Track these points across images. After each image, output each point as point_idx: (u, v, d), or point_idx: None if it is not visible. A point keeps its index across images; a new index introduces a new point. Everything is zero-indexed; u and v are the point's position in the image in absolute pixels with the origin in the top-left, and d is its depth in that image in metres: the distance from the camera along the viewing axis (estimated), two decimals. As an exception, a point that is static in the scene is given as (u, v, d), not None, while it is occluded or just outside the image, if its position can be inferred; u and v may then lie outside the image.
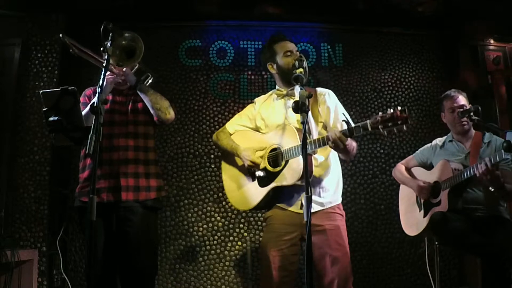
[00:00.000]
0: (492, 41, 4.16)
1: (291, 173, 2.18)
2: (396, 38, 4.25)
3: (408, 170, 2.98)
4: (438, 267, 2.91)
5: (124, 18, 3.57)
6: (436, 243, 2.82)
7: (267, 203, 2.33)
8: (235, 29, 4.11)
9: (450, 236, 2.55)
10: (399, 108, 1.88)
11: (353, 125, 2.02)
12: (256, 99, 2.58)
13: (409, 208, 2.91)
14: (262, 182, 2.29)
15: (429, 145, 2.95)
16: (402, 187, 3.04)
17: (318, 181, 2.27)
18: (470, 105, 2.75)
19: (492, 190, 2.40)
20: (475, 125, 2.71)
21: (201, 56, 4.05)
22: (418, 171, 2.92)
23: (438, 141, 2.90)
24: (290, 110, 2.19)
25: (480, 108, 2.69)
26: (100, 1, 3.63)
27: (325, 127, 2.33)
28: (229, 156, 2.47)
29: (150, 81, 2.40)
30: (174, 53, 4.02)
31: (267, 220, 2.36)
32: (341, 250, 2.20)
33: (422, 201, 2.78)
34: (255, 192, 2.32)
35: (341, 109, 2.38)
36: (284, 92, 2.43)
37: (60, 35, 2.22)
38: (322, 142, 2.09)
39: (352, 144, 2.19)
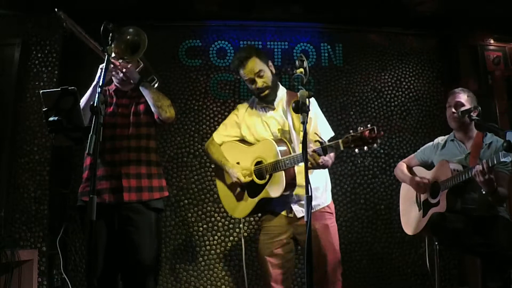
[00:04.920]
0: (492, 41, 4.16)
1: (275, 186, 2.33)
2: (396, 38, 4.25)
3: (410, 169, 2.97)
4: (438, 267, 2.91)
5: (124, 18, 3.56)
6: (436, 243, 2.82)
7: (259, 209, 2.51)
8: (235, 29, 4.10)
9: (449, 237, 2.55)
10: (369, 126, 1.92)
11: (325, 143, 2.09)
12: (239, 106, 2.70)
13: (408, 208, 2.91)
14: (252, 193, 2.45)
15: (430, 144, 2.93)
16: (402, 186, 3.03)
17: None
18: (478, 106, 2.72)
19: (484, 193, 2.38)
20: (476, 125, 2.71)
21: (201, 56, 4.04)
22: (419, 170, 2.91)
23: (440, 140, 2.87)
24: (271, 119, 2.46)
25: (480, 108, 2.69)
26: (100, 1, 3.63)
27: None
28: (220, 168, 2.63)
29: (156, 85, 2.41)
30: (174, 53, 4.02)
31: (262, 223, 2.55)
32: (329, 247, 2.39)
33: (421, 200, 2.78)
34: (246, 203, 2.48)
35: (321, 119, 2.48)
36: (265, 105, 2.55)
37: (56, 9, 2.19)
38: (297, 160, 2.22)
39: (330, 157, 2.28)
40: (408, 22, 4.13)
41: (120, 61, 2.28)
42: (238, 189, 2.53)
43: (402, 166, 3.00)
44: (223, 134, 2.64)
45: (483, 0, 3.69)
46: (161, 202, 2.40)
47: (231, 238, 3.74)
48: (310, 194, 1.74)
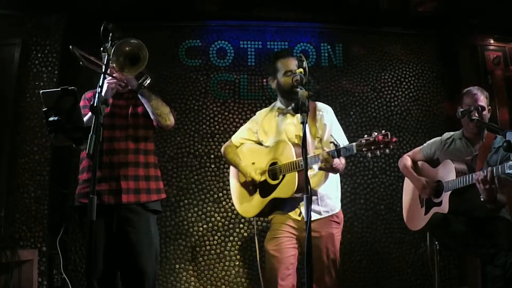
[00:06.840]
0: (492, 41, 4.16)
1: (287, 187, 2.39)
2: (396, 38, 4.24)
3: (414, 163, 2.91)
4: (438, 267, 2.90)
5: (124, 18, 3.57)
6: (436, 243, 2.82)
7: (269, 210, 2.56)
8: (235, 29, 4.10)
9: (450, 238, 2.54)
10: (383, 132, 2.03)
11: (340, 146, 2.19)
12: (258, 113, 2.79)
13: (411, 202, 2.89)
14: (264, 193, 2.52)
15: (438, 139, 2.86)
16: (406, 179, 2.99)
17: (315, 191, 2.46)
18: (489, 106, 2.69)
19: (483, 200, 2.34)
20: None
21: (201, 56, 4.04)
22: (424, 167, 2.86)
23: (448, 136, 2.82)
24: (289, 126, 2.53)
25: (480, 108, 2.67)
26: (101, 1, 3.63)
27: (321, 141, 2.52)
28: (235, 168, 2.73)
29: (148, 81, 2.39)
30: (174, 53, 4.02)
31: (271, 221, 2.62)
32: (332, 254, 2.45)
33: (424, 198, 2.77)
34: (257, 202, 2.56)
35: (336, 127, 2.56)
36: (284, 110, 2.60)
37: (70, 47, 2.15)
38: (311, 161, 2.30)
39: (341, 162, 2.36)
40: (408, 22, 4.13)
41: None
42: (250, 189, 2.61)
43: (407, 160, 2.93)
44: (241, 137, 2.75)
45: (483, 0, 3.69)
46: (158, 204, 2.41)
47: (231, 238, 3.74)
48: (309, 194, 1.80)
